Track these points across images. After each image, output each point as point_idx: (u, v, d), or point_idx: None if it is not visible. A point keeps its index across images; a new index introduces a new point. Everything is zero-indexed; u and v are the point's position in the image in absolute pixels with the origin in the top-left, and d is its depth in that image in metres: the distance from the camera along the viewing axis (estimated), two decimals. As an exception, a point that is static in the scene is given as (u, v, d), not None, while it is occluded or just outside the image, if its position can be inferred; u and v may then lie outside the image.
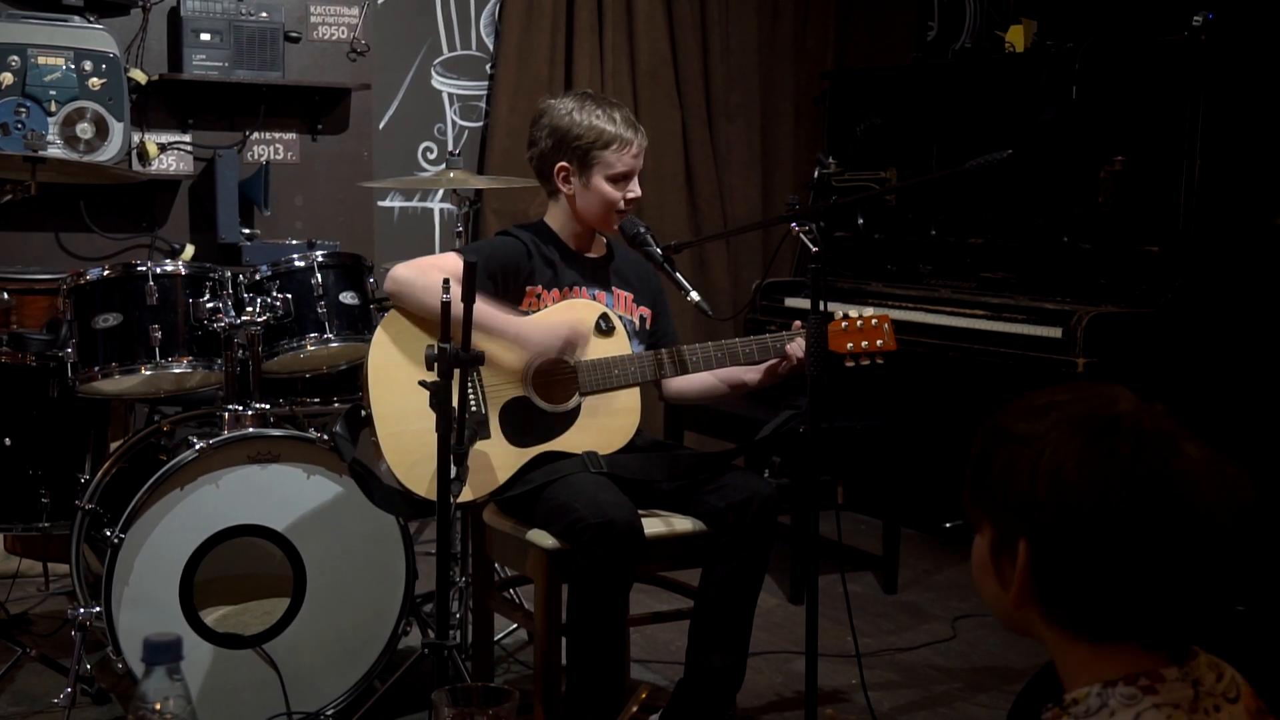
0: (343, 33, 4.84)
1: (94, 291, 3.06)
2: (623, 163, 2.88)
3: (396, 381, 2.76)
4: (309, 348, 3.18)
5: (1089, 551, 1.17)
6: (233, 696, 2.95)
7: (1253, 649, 1.24)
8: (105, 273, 3.07)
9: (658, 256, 2.83)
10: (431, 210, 5.17)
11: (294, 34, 4.63)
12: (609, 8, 5.23)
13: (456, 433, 2.38)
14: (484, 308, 2.63)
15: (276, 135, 4.76)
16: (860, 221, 5.20)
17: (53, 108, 4.14)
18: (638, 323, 3.01)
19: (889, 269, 5.01)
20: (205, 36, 4.43)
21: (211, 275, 3.11)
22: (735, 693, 2.84)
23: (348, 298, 3.23)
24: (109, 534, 2.87)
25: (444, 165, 4.10)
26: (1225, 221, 4.15)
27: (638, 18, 5.30)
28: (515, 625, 3.57)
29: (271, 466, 3.00)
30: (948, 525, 4.71)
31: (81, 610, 2.97)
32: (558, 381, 2.84)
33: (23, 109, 4.10)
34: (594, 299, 2.93)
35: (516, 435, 2.80)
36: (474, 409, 2.74)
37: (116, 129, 4.24)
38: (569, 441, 2.82)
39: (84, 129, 4.18)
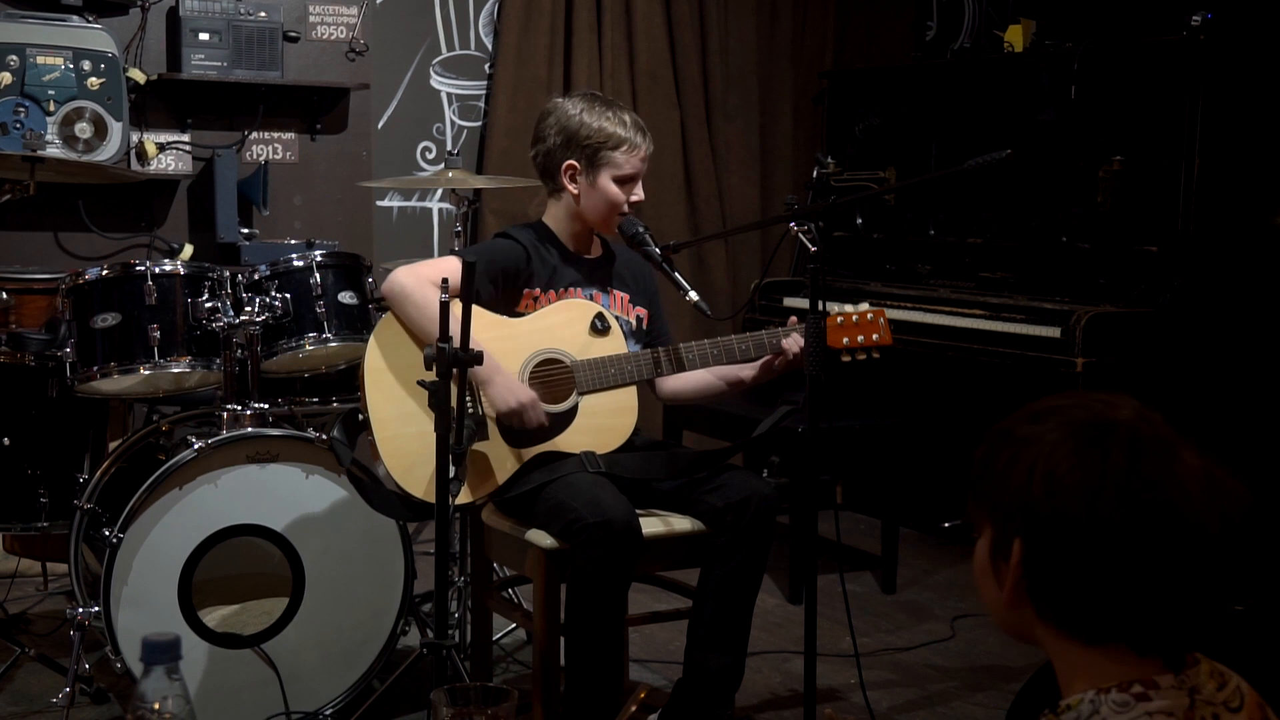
0: (341, 32, 4.84)
1: (93, 291, 3.05)
2: (630, 165, 2.89)
3: (393, 384, 2.76)
4: (308, 347, 3.18)
5: (1079, 553, 1.18)
6: (231, 696, 2.95)
7: (1252, 649, 1.24)
8: (104, 272, 3.06)
9: (656, 256, 2.83)
10: (430, 210, 5.17)
11: (293, 34, 4.63)
12: (608, 8, 5.23)
13: (455, 433, 2.38)
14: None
15: (275, 135, 4.76)
16: (859, 221, 5.20)
17: (51, 107, 4.14)
18: (634, 323, 3.01)
19: (888, 269, 5.01)
20: (204, 36, 4.42)
21: (210, 275, 3.11)
22: (734, 692, 2.84)
23: (346, 297, 3.23)
24: (108, 534, 2.87)
25: (443, 165, 4.10)
26: (1224, 221, 4.15)
27: (636, 18, 5.30)
28: (514, 625, 3.57)
29: (270, 466, 3.00)
30: (946, 525, 4.71)
31: (80, 610, 2.97)
32: (555, 381, 2.84)
33: (21, 109, 4.10)
34: (591, 299, 2.93)
35: (514, 436, 2.80)
36: (472, 410, 2.73)
37: (115, 129, 4.23)
38: (567, 441, 2.82)
39: (83, 129, 4.18)
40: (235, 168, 4.52)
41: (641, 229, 2.87)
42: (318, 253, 3.24)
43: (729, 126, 5.60)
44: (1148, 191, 4.20)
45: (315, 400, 3.43)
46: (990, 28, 5.03)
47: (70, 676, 2.97)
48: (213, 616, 2.97)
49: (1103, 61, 4.32)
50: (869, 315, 2.85)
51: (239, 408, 3.06)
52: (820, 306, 2.62)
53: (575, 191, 2.92)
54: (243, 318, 3.06)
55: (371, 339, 2.81)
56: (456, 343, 2.36)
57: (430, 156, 5.15)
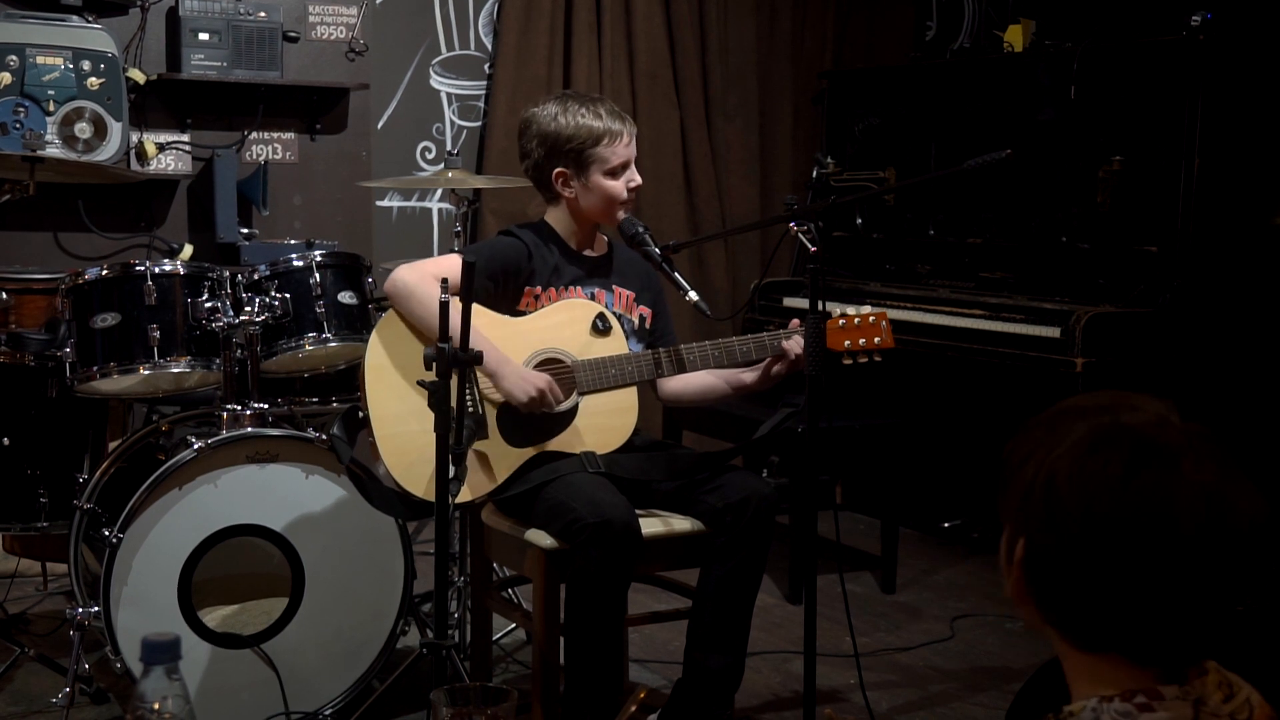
0: (341, 32, 4.84)
1: (92, 291, 3.05)
2: (617, 155, 2.88)
3: (394, 383, 2.76)
4: (307, 347, 3.18)
5: (1072, 558, 1.17)
6: (231, 696, 2.95)
7: (1252, 649, 1.23)
8: (103, 272, 3.06)
9: (656, 256, 2.83)
10: (430, 210, 5.17)
11: (292, 34, 4.63)
12: (607, 8, 5.23)
13: (455, 433, 2.38)
14: (475, 334, 2.64)
15: (275, 135, 4.76)
16: (859, 221, 5.20)
17: (51, 107, 4.14)
18: (637, 322, 3.00)
19: (887, 269, 5.01)
20: (204, 36, 4.42)
21: (210, 275, 3.11)
22: (733, 692, 2.84)
23: (346, 297, 3.23)
24: (107, 534, 2.87)
25: (442, 165, 4.10)
26: (1224, 221, 4.15)
27: (636, 17, 5.30)
28: (514, 625, 3.57)
29: (270, 466, 3.00)
30: (946, 525, 4.71)
31: (80, 610, 2.97)
32: (555, 381, 2.84)
33: (21, 109, 4.10)
34: (593, 298, 2.93)
35: (514, 435, 2.80)
36: (471, 409, 2.73)
37: (115, 129, 4.23)
38: (567, 441, 2.82)
39: (82, 129, 4.18)
40: (235, 168, 4.52)
41: (641, 229, 2.87)
42: (317, 253, 3.24)
43: (728, 126, 5.60)
44: (1147, 191, 4.20)
45: (315, 400, 3.43)
46: (990, 27, 5.03)
47: (70, 676, 2.97)
48: (212, 616, 2.97)
49: (1102, 61, 4.32)
50: (871, 318, 2.84)
51: (239, 408, 3.06)
52: (820, 307, 2.62)
53: (572, 195, 2.92)
54: (242, 318, 3.06)
55: (372, 337, 2.81)
56: (457, 342, 2.36)
57: (430, 156, 5.15)
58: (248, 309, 3.07)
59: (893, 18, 5.72)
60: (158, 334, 3.03)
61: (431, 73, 5.13)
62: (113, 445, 3.27)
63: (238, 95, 4.61)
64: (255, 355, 3.10)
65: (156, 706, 1.34)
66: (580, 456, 2.79)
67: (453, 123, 5.19)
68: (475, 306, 2.41)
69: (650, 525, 2.75)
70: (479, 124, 5.22)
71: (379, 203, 5.06)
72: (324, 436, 3.00)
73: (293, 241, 4.51)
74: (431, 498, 2.48)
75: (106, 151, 4.22)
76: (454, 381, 2.38)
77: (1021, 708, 1.67)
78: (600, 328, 2.87)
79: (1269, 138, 4.16)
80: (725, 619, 2.77)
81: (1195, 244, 4.10)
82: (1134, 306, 4.09)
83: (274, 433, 3.02)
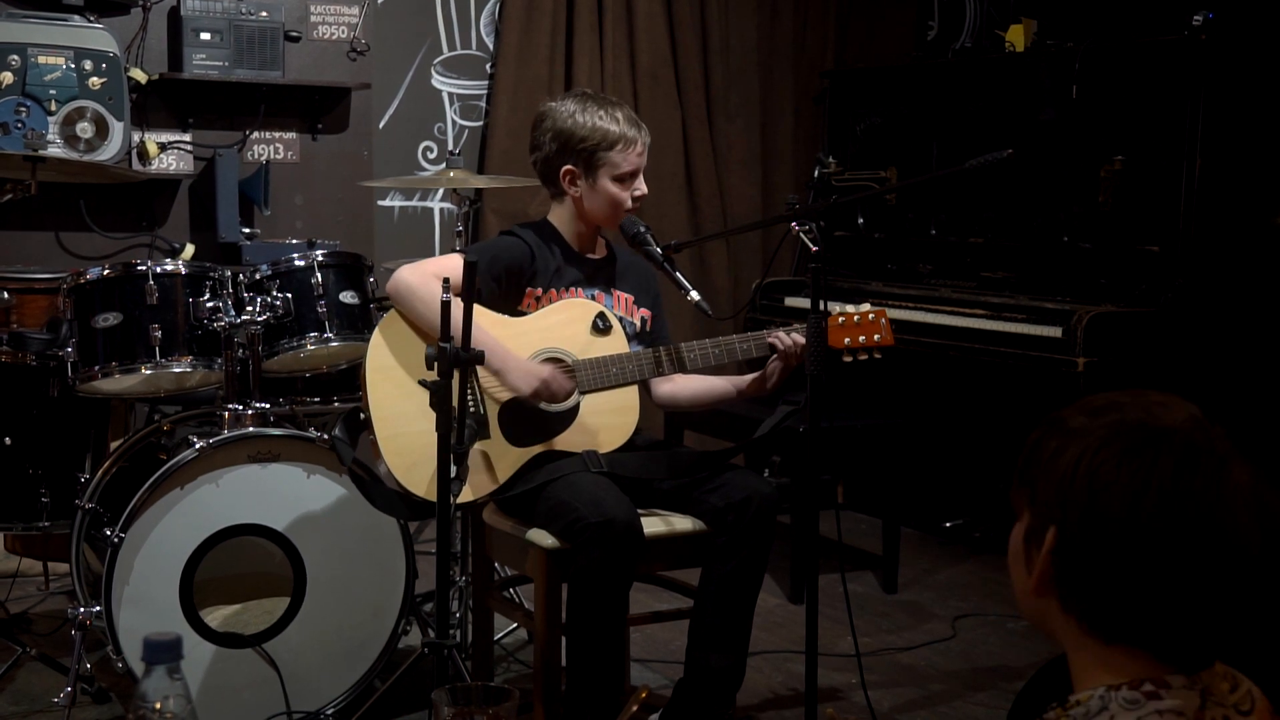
0: (343, 32, 4.84)
1: (94, 291, 3.05)
2: (629, 162, 2.88)
3: (395, 383, 2.76)
4: (309, 347, 3.18)
5: (1112, 553, 1.17)
6: (233, 696, 2.95)
7: (1252, 650, 1.23)
8: (105, 272, 3.06)
9: (657, 256, 2.83)
10: (431, 210, 5.17)
11: (294, 33, 4.63)
12: (609, 7, 5.23)
13: (456, 432, 2.38)
14: (477, 327, 2.64)
15: (276, 134, 4.76)
16: (860, 221, 5.20)
17: (53, 107, 4.14)
18: (638, 324, 3.00)
19: (889, 268, 5.01)
20: (205, 36, 4.43)
21: (211, 275, 3.11)
22: (735, 692, 2.84)
23: (348, 297, 3.23)
24: (109, 533, 2.87)
25: (444, 165, 4.10)
26: (1225, 221, 4.15)
27: (638, 17, 5.30)
28: (515, 625, 3.57)
29: (271, 466, 3.00)
30: (948, 525, 4.71)
31: (81, 609, 2.97)
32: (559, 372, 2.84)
33: (23, 108, 4.10)
34: (594, 300, 2.93)
35: (516, 435, 2.80)
36: (473, 409, 2.73)
37: (116, 128, 4.24)
38: (568, 440, 2.82)
39: (84, 128, 4.18)
40: (236, 167, 4.52)
41: (643, 229, 2.87)
42: (319, 252, 3.24)
43: (730, 126, 5.60)
44: (1149, 191, 4.20)
45: (316, 400, 3.43)
46: (991, 27, 5.03)
47: (71, 676, 2.97)
48: (214, 616, 2.97)
49: (1104, 61, 4.32)
50: (870, 315, 2.84)
51: (240, 407, 3.06)
52: (821, 306, 2.62)
53: (577, 195, 2.91)
54: (244, 317, 3.06)
55: (373, 338, 2.81)
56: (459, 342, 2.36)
57: (431, 156, 5.15)
58: (249, 309, 3.07)
59: (894, 17, 5.71)
60: (159, 334, 3.03)
61: (433, 72, 5.13)
62: (114, 445, 3.27)
63: (239, 95, 4.61)
64: (257, 355, 3.10)
65: (158, 706, 1.34)
66: (582, 456, 2.78)
67: (454, 122, 5.19)
68: (476, 307, 2.41)
69: (652, 525, 2.75)
70: (480, 124, 5.22)
71: (380, 202, 5.06)
72: (325, 436, 3.01)
73: (294, 241, 4.51)
74: (433, 498, 2.48)
75: (108, 151, 4.22)
76: (456, 381, 2.38)
77: (1023, 707, 1.67)
78: (601, 327, 2.87)
79: (1270, 137, 4.15)
80: (727, 618, 2.77)
81: (1197, 243, 4.10)
82: (1135, 306, 4.09)
83: (275, 432, 3.02)
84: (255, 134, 4.70)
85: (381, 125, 5.03)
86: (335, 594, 3.05)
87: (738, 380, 2.98)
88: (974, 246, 4.70)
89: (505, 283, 2.85)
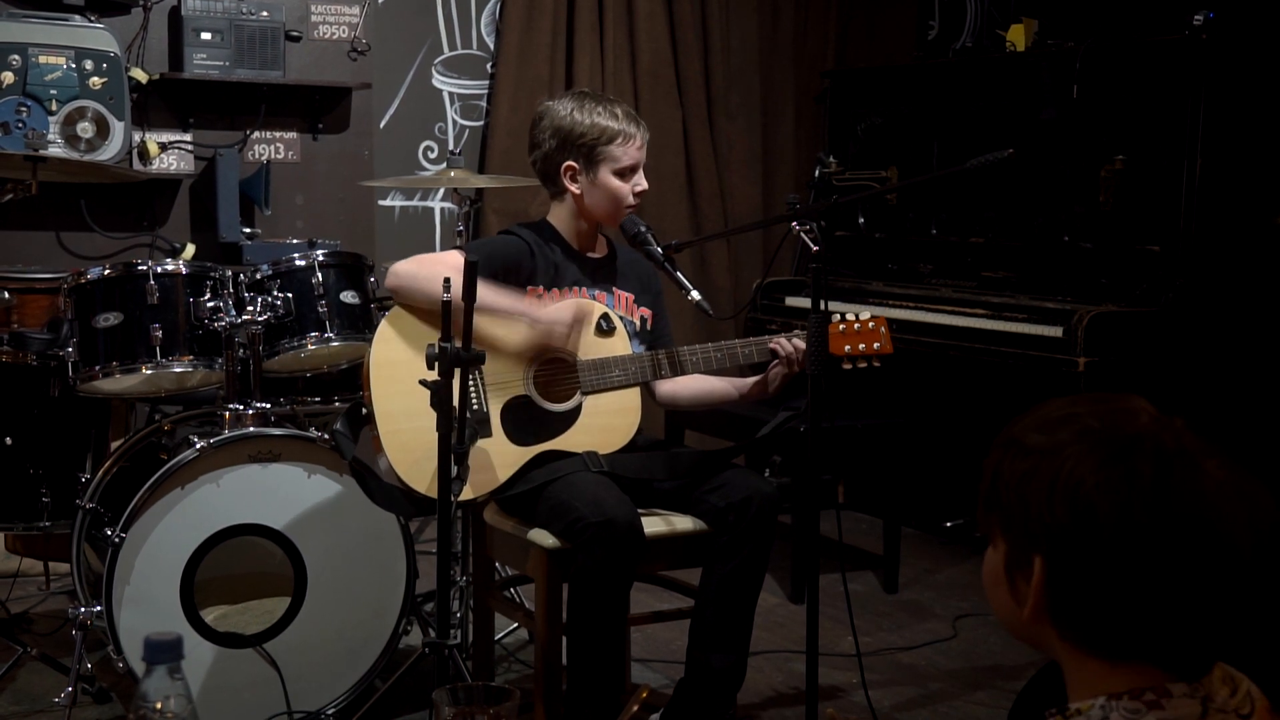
0: (343, 32, 4.84)
1: (95, 291, 3.06)
2: (628, 156, 2.89)
3: (398, 379, 2.76)
4: (310, 347, 3.18)
5: (1107, 572, 1.15)
6: (233, 696, 2.95)
7: (1253, 651, 1.23)
8: (106, 272, 3.06)
9: (658, 256, 2.83)
10: (432, 209, 5.17)
11: (295, 33, 4.63)
12: (609, 7, 5.23)
13: (457, 431, 2.38)
14: (490, 290, 2.65)
15: (277, 134, 4.76)
16: (861, 220, 5.20)
17: (53, 107, 4.14)
18: (638, 324, 3.01)
19: (890, 268, 5.01)
20: (206, 36, 4.43)
21: (212, 274, 3.11)
22: (736, 692, 2.84)
23: (348, 297, 3.23)
24: (110, 533, 2.87)
25: (445, 164, 4.10)
26: (1226, 221, 4.15)
27: (638, 17, 5.30)
28: (516, 624, 3.57)
29: (272, 466, 3.00)
30: (948, 524, 4.71)
31: (82, 609, 2.97)
32: (559, 381, 2.84)
33: (24, 108, 4.10)
34: (594, 299, 2.93)
35: (518, 434, 2.80)
36: (475, 407, 2.73)
37: (117, 128, 4.24)
38: (570, 441, 2.82)
39: (85, 128, 4.18)
40: (237, 167, 4.52)
41: (643, 228, 2.87)
42: (320, 252, 3.24)
43: (731, 126, 5.60)
44: (1150, 191, 4.20)
45: (317, 400, 3.43)
46: (992, 27, 5.03)
47: (72, 676, 2.97)
48: (215, 616, 2.97)
49: (1105, 61, 4.32)
50: (870, 323, 2.85)
51: (241, 407, 3.06)
52: (822, 306, 2.62)
53: (578, 191, 2.92)
54: (245, 317, 3.06)
55: (376, 334, 2.81)
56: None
57: (432, 156, 5.15)
58: (250, 308, 3.07)
59: (895, 17, 5.71)
60: (160, 333, 3.03)
61: (434, 72, 5.13)
62: (115, 445, 3.27)
63: (240, 95, 4.61)
64: (257, 355, 3.10)
65: (159, 706, 1.34)
66: (583, 456, 2.79)
67: (455, 122, 5.19)
68: (486, 286, 2.42)
69: (652, 525, 2.75)
70: (481, 123, 5.22)
71: (381, 202, 5.06)
72: (326, 436, 3.01)
73: (295, 241, 4.51)
74: (434, 494, 2.48)
75: (109, 151, 4.22)
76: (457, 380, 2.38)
77: (1024, 707, 1.67)
78: (604, 328, 2.88)
79: (1271, 137, 4.15)
80: (727, 618, 2.77)
81: (1197, 243, 4.10)
82: (1136, 306, 4.08)
83: (276, 432, 3.02)
84: (256, 134, 4.70)
85: (382, 125, 5.03)
86: (336, 594, 3.05)
87: (739, 382, 2.98)
88: (975, 246, 4.70)
89: (503, 280, 2.85)
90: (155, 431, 3.24)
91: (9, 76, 4.08)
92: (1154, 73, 4.20)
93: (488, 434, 2.76)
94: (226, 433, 2.99)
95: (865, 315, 2.86)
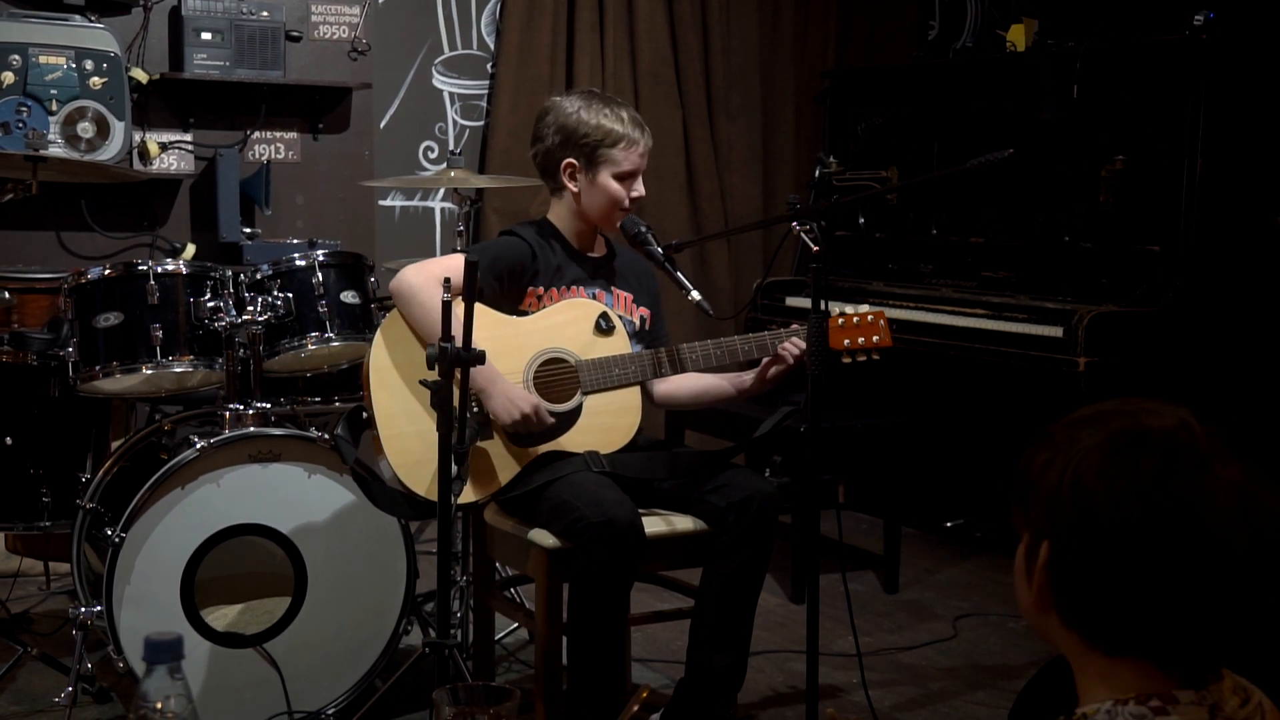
0: (344, 32, 4.84)
1: (95, 291, 3.06)
2: (630, 161, 2.89)
3: (398, 382, 2.76)
4: (310, 347, 3.18)
5: (1103, 561, 1.16)
6: (234, 695, 2.96)
7: (1253, 651, 1.22)
8: (106, 272, 3.06)
9: (658, 256, 2.83)
10: (432, 209, 5.17)
11: (295, 33, 4.63)
12: (610, 7, 5.23)
13: (458, 433, 2.38)
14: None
15: (277, 134, 4.76)
16: (861, 220, 5.20)
17: (54, 107, 4.14)
18: (637, 323, 3.01)
19: (890, 268, 5.01)
20: (206, 36, 4.43)
21: (212, 274, 3.11)
22: (736, 692, 2.84)
23: (349, 297, 3.23)
24: (110, 533, 2.87)
25: (445, 164, 4.10)
26: (1226, 220, 4.15)
27: (639, 17, 5.30)
28: (516, 624, 3.57)
29: (272, 466, 3.00)
30: (949, 524, 4.71)
31: (83, 609, 2.97)
32: (559, 381, 2.84)
33: (24, 108, 4.10)
34: (594, 298, 2.93)
35: (518, 435, 2.80)
36: (475, 408, 2.73)
37: (117, 128, 4.24)
38: (570, 441, 2.82)
39: (85, 128, 4.18)
40: (237, 167, 4.52)
41: (644, 228, 2.87)
42: (320, 252, 3.24)
43: (731, 126, 5.60)
44: (1150, 191, 4.20)
45: (317, 400, 3.42)
46: (992, 27, 5.03)
47: (73, 676, 2.97)
48: (215, 616, 2.97)
49: (1105, 61, 4.32)
50: (869, 317, 2.85)
51: (241, 407, 3.06)
52: (823, 306, 2.62)
53: (576, 190, 2.92)
54: (245, 317, 3.06)
55: (376, 336, 2.81)
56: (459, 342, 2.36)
57: (432, 156, 5.15)
58: (250, 308, 3.07)
59: (895, 17, 5.72)
60: (160, 333, 3.03)
61: (434, 72, 5.13)
62: (115, 444, 3.27)
63: (240, 95, 4.61)
64: (258, 355, 3.10)
65: (159, 706, 1.34)
66: (584, 456, 2.78)
67: (455, 122, 5.19)
68: (478, 307, 2.41)
69: (653, 524, 2.75)
70: (481, 123, 5.22)
71: (381, 202, 5.06)
72: (326, 436, 3.01)
73: (295, 241, 4.51)
74: (435, 497, 2.48)
75: (109, 151, 4.22)
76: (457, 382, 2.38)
77: (1024, 707, 1.67)
78: (604, 327, 2.88)
79: (1271, 137, 4.15)
80: (728, 618, 2.77)
81: (1198, 243, 4.10)
82: (1136, 306, 4.08)
83: (276, 432, 3.02)
84: (256, 134, 4.70)
85: (382, 125, 5.03)
86: (336, 594, 3.05)
87: (737, 379, 2.98)
88: (975, 246, 4.70)
89: (507, 282, 2.85)
90: (155, 431, 3.24)
91: (9, 76, 4.08)
92: (1154, 73, 4.20)
93: (488, 435, 2.76)
94: (227, 433, 2.99)
95: (864, 309, 2.86)
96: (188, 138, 4.59)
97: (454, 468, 2.39)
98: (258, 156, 4.70)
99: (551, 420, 2.77)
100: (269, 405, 3.10)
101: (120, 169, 4.10)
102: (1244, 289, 4.16)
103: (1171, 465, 1.15)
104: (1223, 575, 1.14)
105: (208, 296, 3.07)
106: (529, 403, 2.72)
